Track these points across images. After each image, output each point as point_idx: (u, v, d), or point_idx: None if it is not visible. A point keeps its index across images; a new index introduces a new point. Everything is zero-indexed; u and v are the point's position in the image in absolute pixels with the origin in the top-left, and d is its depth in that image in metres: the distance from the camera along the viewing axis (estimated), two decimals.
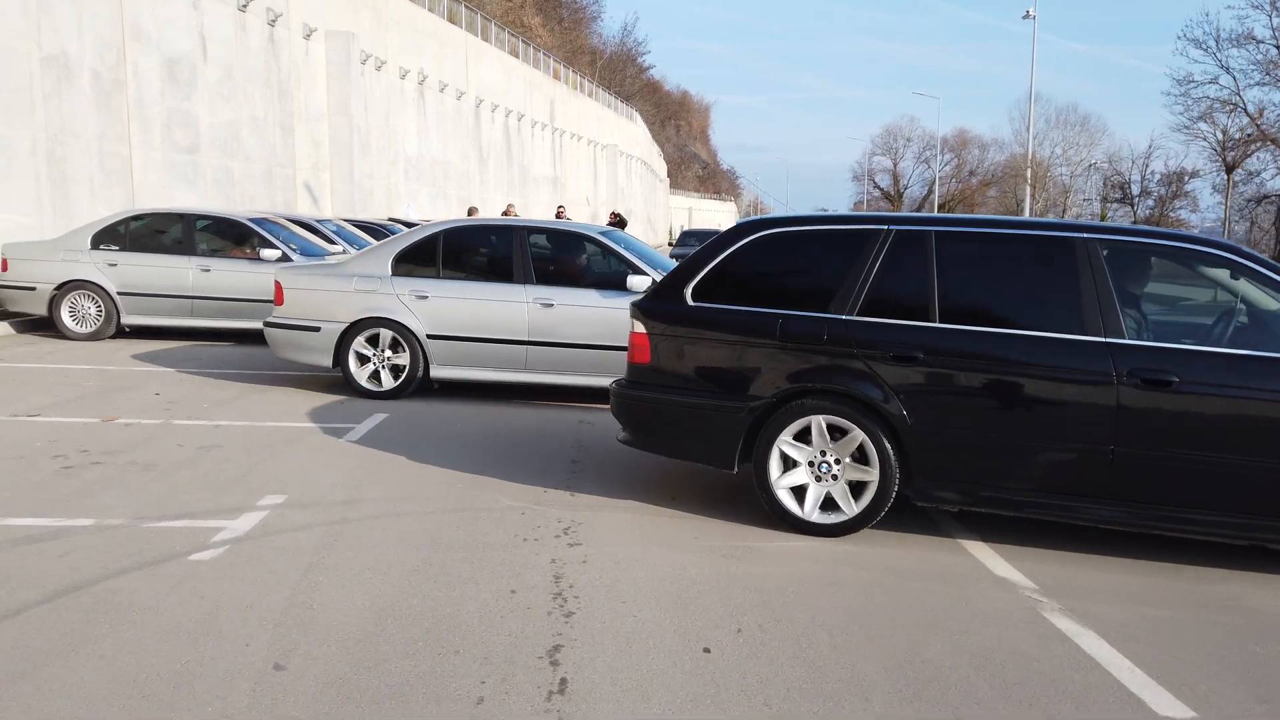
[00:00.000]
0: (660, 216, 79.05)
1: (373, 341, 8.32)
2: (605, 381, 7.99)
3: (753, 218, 5.45)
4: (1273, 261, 4.63)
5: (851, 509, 4.79)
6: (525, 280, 8.27)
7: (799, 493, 4.89)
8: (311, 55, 22.66)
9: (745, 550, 4.64)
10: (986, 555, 4.71)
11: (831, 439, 4.80)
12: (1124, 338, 4.48)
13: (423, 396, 8.39)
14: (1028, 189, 42.26)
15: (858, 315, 4.79)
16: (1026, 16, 36.05)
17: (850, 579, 4.30)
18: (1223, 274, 4.76)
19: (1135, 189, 68.47)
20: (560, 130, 45.61)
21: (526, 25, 48.68)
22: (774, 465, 4.86)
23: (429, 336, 8.24)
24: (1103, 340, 4.48)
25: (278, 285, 8.61)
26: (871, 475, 4.72)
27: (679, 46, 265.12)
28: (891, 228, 4.92)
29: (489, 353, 8.23)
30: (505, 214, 19.62)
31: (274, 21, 20.64)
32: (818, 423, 4.78)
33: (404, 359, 8.27)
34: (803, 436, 4.85)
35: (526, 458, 6.33)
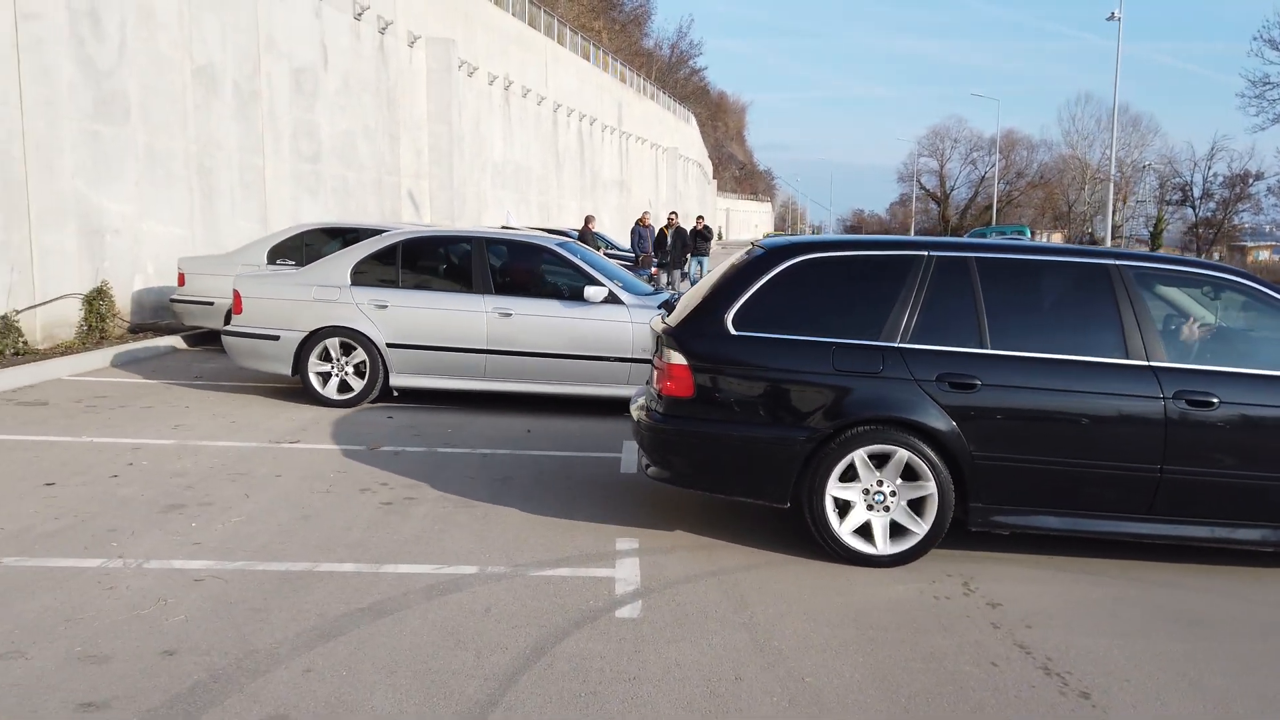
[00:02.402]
0: (710, 219, 78.78)
1: (332, 350, 8.40)
2: (562, 389, 8.29)
3: (780, 241, 5.32)
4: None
5: (921, 528, 4.79)
6: (484, 290, 8.41)
7: (862, 529, 4.84)
8: (415, 63, 22.63)
9: (1196, 622, 4.39)
10: None
11: (883, 467, 4.78)
12: (1165, 360, 4.72)
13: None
14: (1110, 193, 41.52)
15: (910, 342, 4.78)
16: (1111, 18, 35.42)
17: None
18: (1236, 298, 5.10)
19: (1197, 191, 67.36)
20: (627, 134, 45.48)
21: (592, 28, 48.59)
22: (832, 497, 4.77)
23: (389, 345, 8.32)
24: (1147, 364, 4.70)
25: (236, 294, 8.63)
26: (929, 489, 4.73)
27: (713, 46, 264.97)
28: (932, 254, 4.96)
29: (448, 361, 8.33)
30: (641, 222, 19.52)
31: (384, 30, 20.60)
32: (879, 451, 4.75)
33: (364, 367, 8.36)
34: (864, 466, 4.78)
35: None
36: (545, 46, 33.67)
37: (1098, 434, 4.66)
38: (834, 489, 4.78)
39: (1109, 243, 39.73)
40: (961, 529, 4.91)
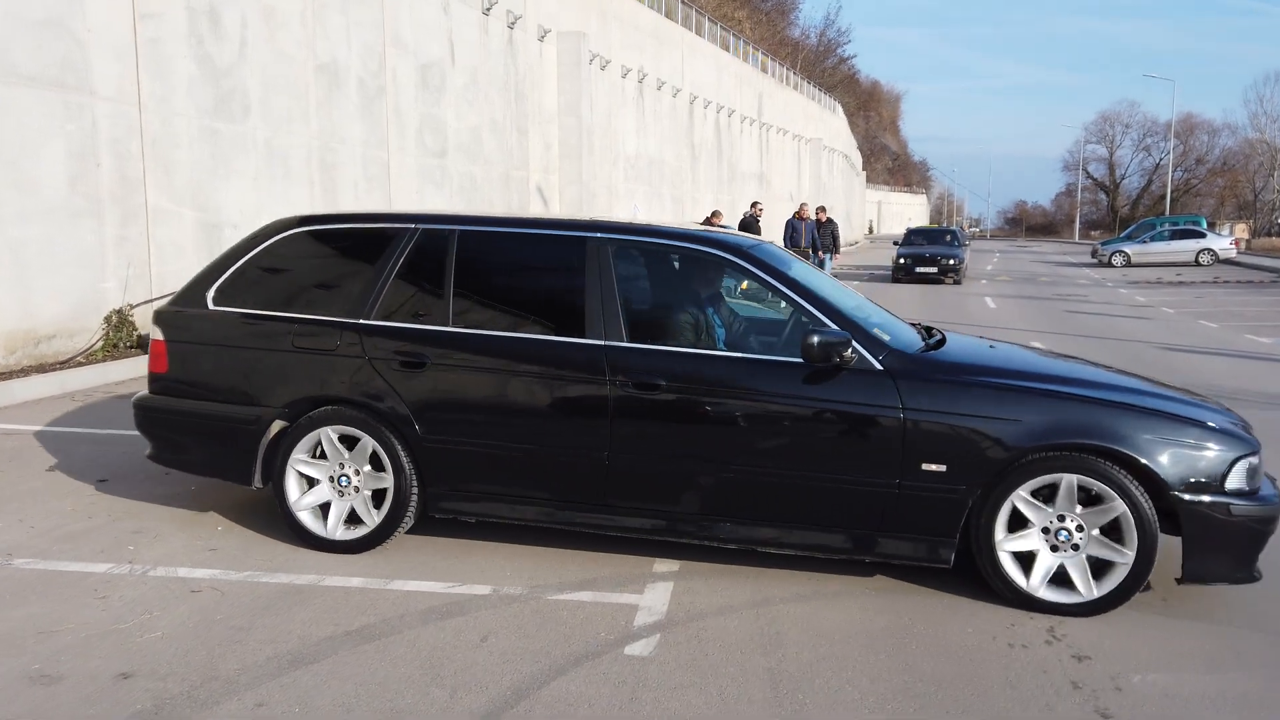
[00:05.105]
0: (857, 211, 76.66)
1: None
2: None
3: (288, 216, 5.00)
4: (777, 264, 4.52)
5: (373, 519, 4.54)
6: None
7: (327, 510, 4.61)
8: (544, 57, 22.61)
9: None
10: None
11: (348, 449, 4.54)
12: (622, 340, 4.32)
13: None
14: None
15: (374, 319, 4.56)
16: None
17: None
18: (729, 275, 4.66)
19: None
20: (767, 125, 44.57)
21: (733, 18, 47.88)
22: (292, 484, 4.60)
23: None
24: (600, 343, 4.33)
25: None
26: (387, 481, 4.50)
27: (867, 35, 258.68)
28: (419, 226, 4.70)
29: None
30: (797, 215, 19.03)
31: (513, 24, 20.63)
32: (328, 434, 4.52)
33: None
34: (320, 450, 4.57)
35: None
36: (682, 38, 33.24)
37: (542, 417, 4.36)
38: (294, 474, 4.58)
39: None
40: None
